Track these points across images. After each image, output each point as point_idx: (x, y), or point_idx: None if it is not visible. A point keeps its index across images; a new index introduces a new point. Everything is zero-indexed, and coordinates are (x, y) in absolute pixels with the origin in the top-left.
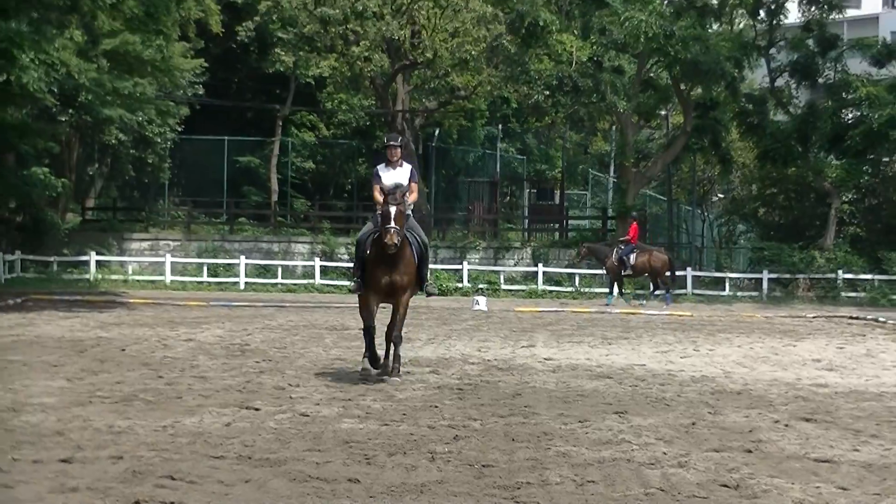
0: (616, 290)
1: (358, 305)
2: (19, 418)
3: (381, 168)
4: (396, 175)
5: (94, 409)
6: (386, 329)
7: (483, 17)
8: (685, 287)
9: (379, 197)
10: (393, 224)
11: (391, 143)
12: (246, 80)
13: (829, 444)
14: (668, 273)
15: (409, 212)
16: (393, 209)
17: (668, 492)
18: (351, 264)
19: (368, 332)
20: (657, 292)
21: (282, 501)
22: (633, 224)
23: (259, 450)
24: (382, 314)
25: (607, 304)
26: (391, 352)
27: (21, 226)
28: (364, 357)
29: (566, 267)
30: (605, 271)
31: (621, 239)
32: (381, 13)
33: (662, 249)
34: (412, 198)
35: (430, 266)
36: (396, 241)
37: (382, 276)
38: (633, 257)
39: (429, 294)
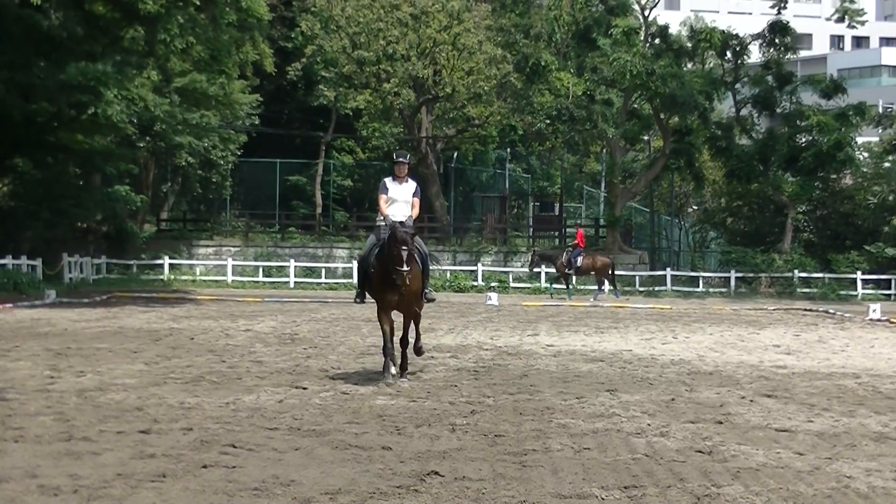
0: (566, 284)
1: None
2: (105, 396)
3: (388, 181)
4: (402, 190)
5: (168, 388)
6: (399, 339)
7: (493, 58)
8: (665, 284)
9: (384, 208)
10: (405, 267)
11: (400, 159)
12: (294, 111)
13: (788, 416)
14: (609, 272)
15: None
16: (405, 253)
17: (652, 457)
18: None
19: (386, 351)
20: (604, 288)
21: (326, 466)
22: (579, 231)
23: (306, 422)
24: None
25: (553, 295)
26: (404, 356)
27: (106, 234)
28: (385, 371)
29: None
30: (561, 275)
31: (571, 244)
32: (408, 55)
33: (605, 253)
34: (414, 213)
35: (449, 268)
36: (408, 283)
37: (392, 296)
38: (580, 259)
39: (427, 300)
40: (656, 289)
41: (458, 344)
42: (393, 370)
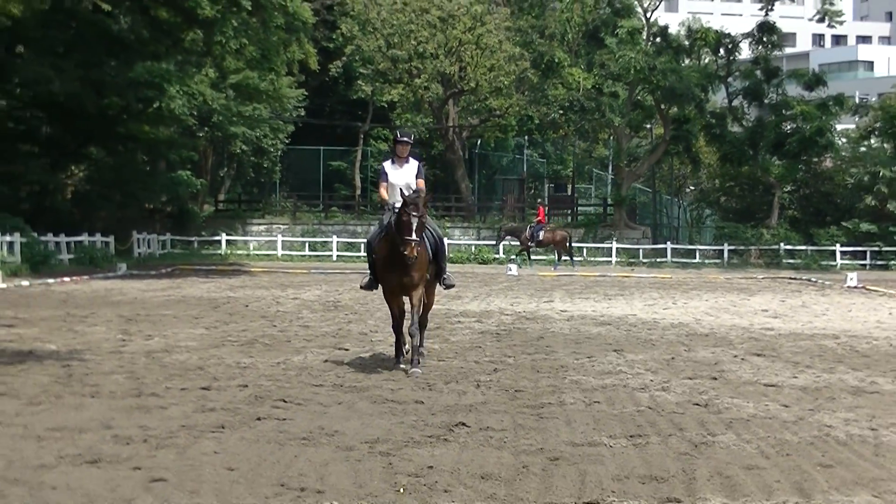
0: (527, 256)
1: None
2: (170, 357)
3: (388, 165)
4: (404, 173)
5: (226, 350)
6: (406, 327)
7: (512, 56)
8: (666, 256)
9: (384, 195)
10: (413, 236)
11: (403, 138)
12: (336, 104)
13: (775, 373)
14: (567, 245)
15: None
16: (415, 221)
17: (655, 409)
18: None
19: (396, 329)
20: (563, 258)
21: (366, 418)
22: (540, 209)
23: (348, 380)
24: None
25: (518, 268)
26: (411, 343)
27: (170, 214)
28: (396, 356)
29: (577, 241)
30: (524, 249)
31: (535, 220)
32: (437, 54)
33: (563, 227)
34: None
35: (474, 243)
36: (416, 254)
37: (394, 278)
38: (541, 234)
39: (447, 286)
40: (658, 260)
41: (482, 310)
42: (417, 358)
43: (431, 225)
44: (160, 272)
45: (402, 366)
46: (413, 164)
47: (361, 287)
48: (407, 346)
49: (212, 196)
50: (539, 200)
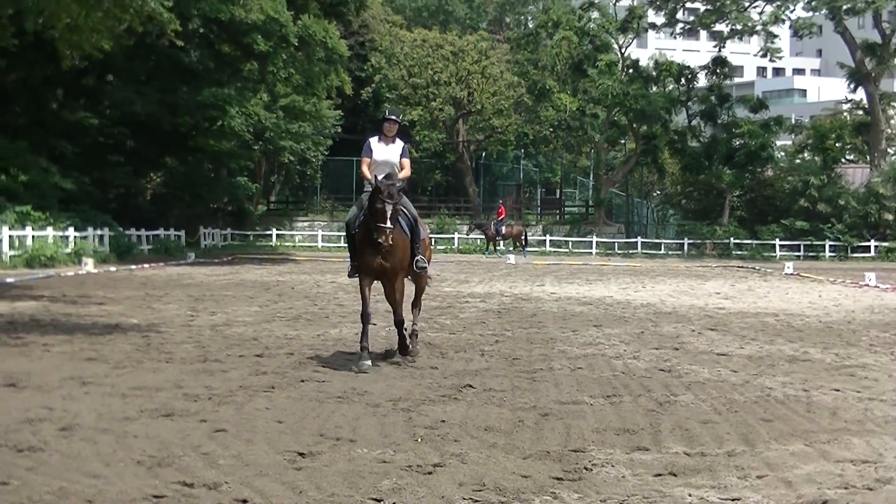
0: (493, 247)
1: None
2: (230, 329)
3: (373, 141)
4: (389, 151)
5: (275, 324)
6: (394, 321)
7: (511, 83)
8: (636, 248)
9: (367, 172)
10: (388, 224)
11: (391, 116)
12: (366, 122)
13: (726, 344)
14: (522, 237)
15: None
16: (389, 209)
17: (627, 374)
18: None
19: (364, 317)
20: (519, 250)
21: (390, 381)
22: (501, 208)
23: (376, 349)
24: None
25: (486, 256)
26: (398, 336)
27: (230, 213)
28: (360, 347)
29: (564, 235)
30: (485, 238)
31: (497, 218)
32: (449, 81)
33: (520, 223)
34: (404, 173)
35: (479, 237)
36: (391, 242)
37: (373, 261)
38: (503, 228)
39: (418, 268)
40: (630, 252)
41: (486, 292)
42: (368, 360)
43: (407, 206)
44: (222, 260)
45: (367, 358)
46: (399, 144)
47: (349, 276)
48: (363, 338)
49: (264, 198)
50: (501, 201)
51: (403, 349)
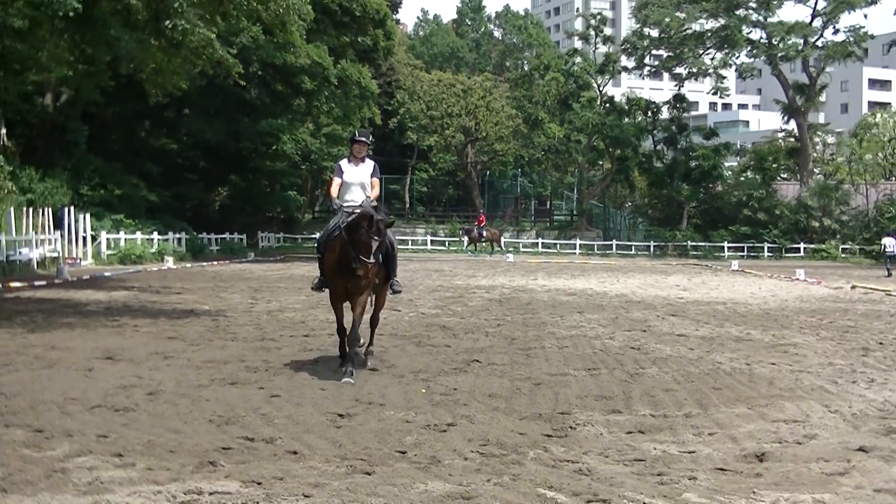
0: (475, 248)
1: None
2: (283, 314)
3: (343, 163)
4: (359, 171)
5: (319, 310)
6: (370, 318)
7: (510, 115)
8: (612, 249)
9: (334, 192)
10: (371, 260)
11: (361, 138)
12: (393, 147)
13: (684, 327)
14: (499, 239)
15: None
16: (375, 245)
17: (605, 351)
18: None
19: (340, 332)
20: (496, 251)
21: (412, 356)
22: (482, 216)
23: (400, 330)
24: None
25: (470, 255)
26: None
27: (282, 220)
28: (341, 357)
29: (553, 239)
30: (469, 240)
31: (479, 224)
32: (460, 113)
33: (495, 228)
34: (373, 194)
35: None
36: (371, 275)
37: (341, 283)
38: (483, 233)
39: (394, 291)
40: (607, 252)
41: (489, 285)
42: (351, 369)
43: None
44: (276, 258)
45: (350, 371)
46: (369, 164)
47: (312, 289)
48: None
49: (310, 208)
50: (482, 211)
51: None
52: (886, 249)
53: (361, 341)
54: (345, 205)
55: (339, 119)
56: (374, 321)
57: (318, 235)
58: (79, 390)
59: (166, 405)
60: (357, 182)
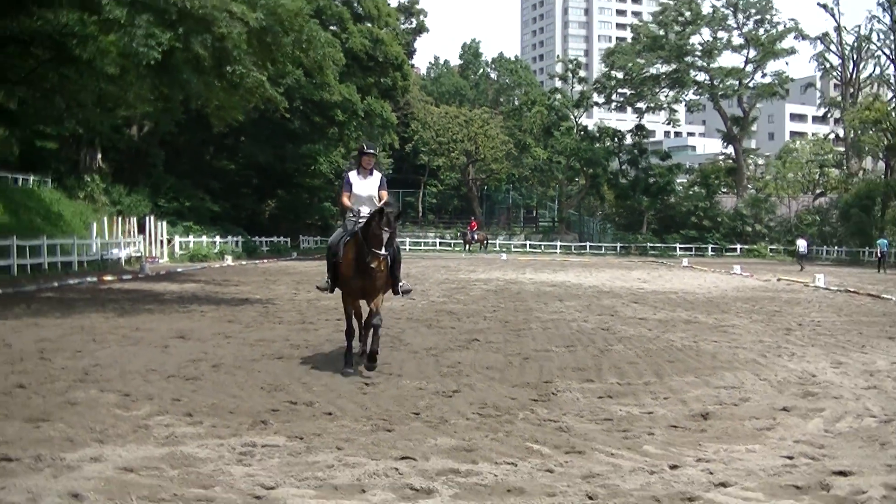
0: (468, 248)
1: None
2: (320, 303)
3: (352, 175)
4: (368, 184)
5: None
6: (364, 321)
7: (504, 140)
8: (586, 250)
9: (347, 203)
10: (383, 251)
11: (369, 150)
12: (408, 167)
13: (644, 312)
14: (486, 241)
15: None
16: (386, 236)
17: (580, 332)
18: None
19: (348, 335)
20: (486, 249)
21: (423, 336)
22: (473, 222)
23: (414, 315)
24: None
25: (463, 254)
26: (368, 339)
27: (319, 226)
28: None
29: (538, 241)
30: (463, 241)
31: (470, 229)
32: (463, 139)
33: (484, 232)
34: (384, 197)
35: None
36: (384, 267)
37: (357, 283)
38: (475, 235)
39: (403, 293)
40: (582, 252)
41: (487, 278)
42: (351, 369)
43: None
44: (314, 258)
45: (349, 370)
46: (377, 176)
47: (318, 288)
48: (357, 349)
49: (342, 217)
50: (472, 217)
51: (373, 358)
52: (799, 249)
53: (376, 320)
54: (357, 209)
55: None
56: (367, 325)
57: (330, 239)
58: (158, 363)
59: (226, 375)
60: (366, 195)
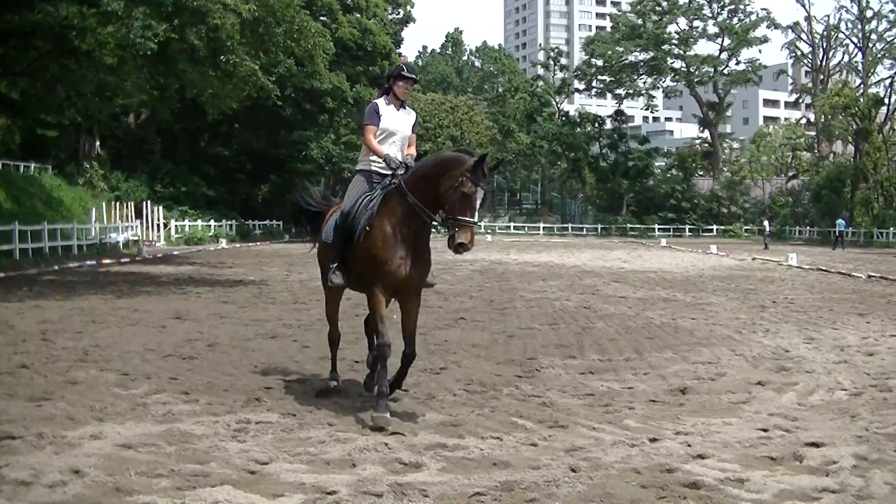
0: None
1: (327, 309)
2: (310, 283)
3: (382, 104)
4: (401, 119)
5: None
6: (403, 353)
7: (488, 126)
8: (569, 231)
9: (375, 144)
10: (476, 219)
11: (411, 74)
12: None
13: (624, 291)
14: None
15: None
16: (480, 194)
17: (562, 310)
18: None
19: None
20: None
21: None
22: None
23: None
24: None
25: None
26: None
27: None
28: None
29: (522, 223)
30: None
31: None
32: (449, 125)
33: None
34: (411, 150)
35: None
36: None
37: (400, 273)
38: None
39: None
40: (564, 233)
41: (472, 258)
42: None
43: None
44: (306, 240)
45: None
46: (412, 114)
47: (331, 285)
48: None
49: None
50: None
51: (398, 383)
52: (766, 229)
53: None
54: (389, 157)
55: (355, 130)
56: (408, 357)
57: (344, 202)
58: (155, 343)
59: (222, 354)
60: (398, 133)
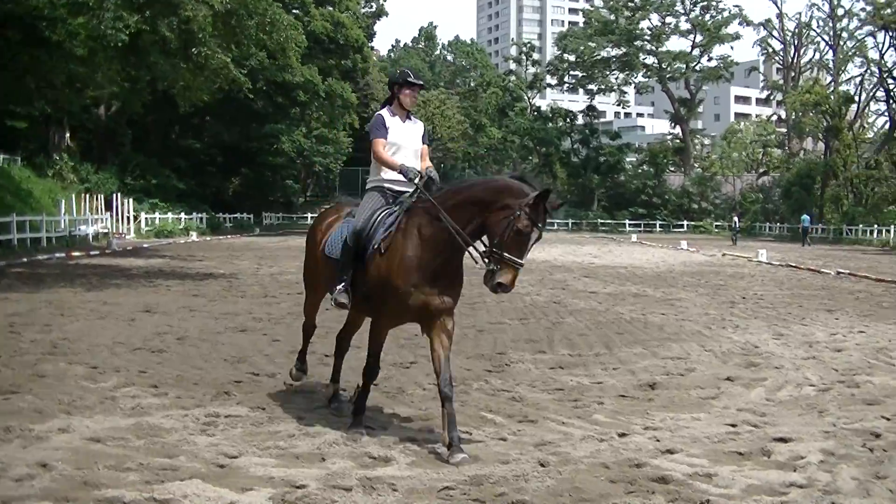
0: None
1: (305, 307)
2: (282, 277)
3: (386, 114)
4: (409, 131)
5: None
6: (438, 388)
7: (460, 121)
8: (555, 227)
9: (388, 157)
10: (524, 261)
11: (417, 81)
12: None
13: (595, 286)
14: None
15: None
16: (535, 237)
17: (533, 305)
18: None
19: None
20: None
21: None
22: None
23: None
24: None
25: None
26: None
27: (282, 203)
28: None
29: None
30: None
31: None
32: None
33: None
34: (425, 164)
35: None
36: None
37: (431, 295)
38: None
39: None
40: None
41: None
42: (302, 374)
43: None
44: (277, 233)
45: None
46: (419, 125)
47: (338, 305)
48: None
49: (303, 193)
50: None
51: (454, 429)
52: (736, 225)
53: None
54: (407, 168)
55: (326, 124)
56: (445, 396)
57: (354, 220)
58: (124, 336)
59: (191, 348)
60: (408, 146)
